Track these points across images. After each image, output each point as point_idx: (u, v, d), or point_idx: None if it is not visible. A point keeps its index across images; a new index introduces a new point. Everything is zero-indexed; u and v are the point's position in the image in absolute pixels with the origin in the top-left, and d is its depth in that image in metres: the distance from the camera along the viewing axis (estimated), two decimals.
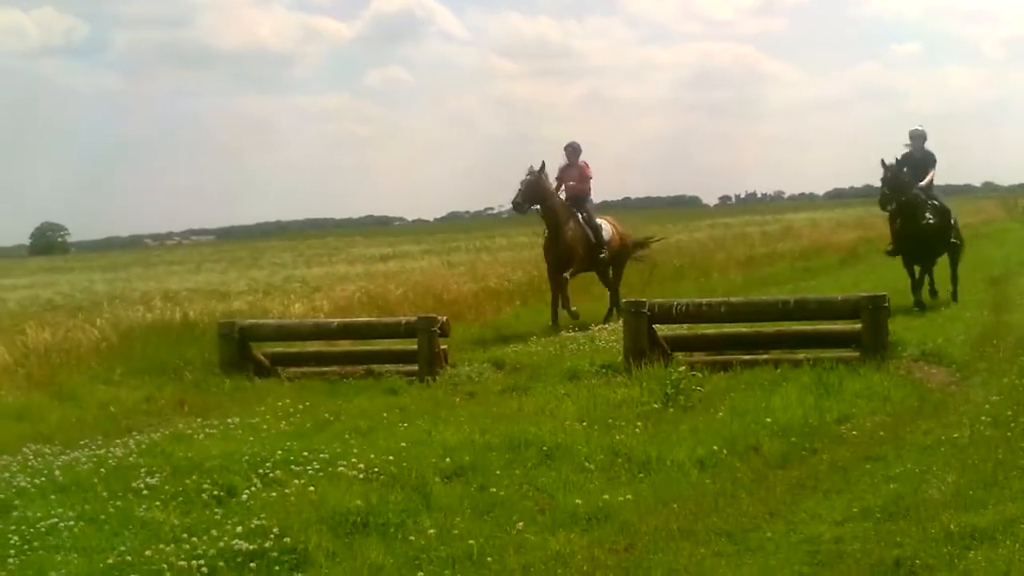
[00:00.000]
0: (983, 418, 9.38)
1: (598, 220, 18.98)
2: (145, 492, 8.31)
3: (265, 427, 10.72)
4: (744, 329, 13.17)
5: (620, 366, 12.58)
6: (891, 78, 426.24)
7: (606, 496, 7.61)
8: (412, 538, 6.98)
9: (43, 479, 8.94)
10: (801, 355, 12.25)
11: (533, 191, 17.91)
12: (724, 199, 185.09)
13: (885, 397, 10.53)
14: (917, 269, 17.76)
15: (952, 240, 18.30)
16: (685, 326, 13.78)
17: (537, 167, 17.99)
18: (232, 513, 7.60)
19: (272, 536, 6.94)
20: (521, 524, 7.15)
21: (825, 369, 11.41)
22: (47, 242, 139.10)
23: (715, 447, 8.73)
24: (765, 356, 12.55)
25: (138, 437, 10.68)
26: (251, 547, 6.80)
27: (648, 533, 6.92)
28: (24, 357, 14.87)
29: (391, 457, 8.65)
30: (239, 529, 7.11)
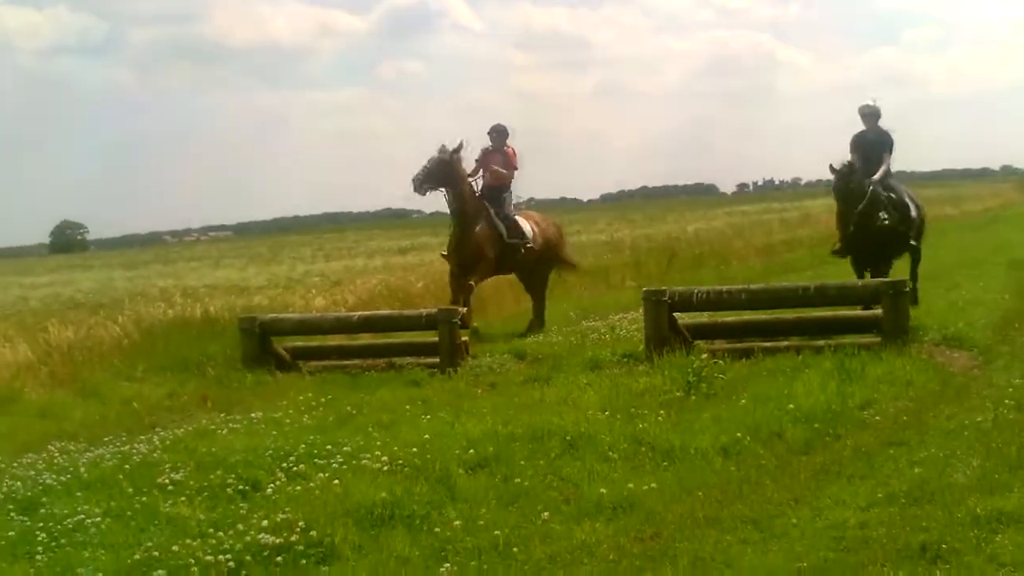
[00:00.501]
0: (1006, 401, 9.34)
1: (517, 217, 16.90)
2: (170, 488, 8.33)
3: (288, 421, 10.75)
4: (765, 316, 13.16)
5: (641, 355, 12.58)
6: (907, 63, 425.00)
7: (630, 485, 7.61)
8: (437, 530, 6.99)
9: (69, 476, 8.98)
10: (822, 341, 12.23)
11: (439, 172, 15.88)
12: (742, 187, 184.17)
13: (907, 382, 10.50)
14: (867, 275, 15.47)
15: (911, 242, 15.92)
16: (705, 314, 13.76)
17: (452, 145, 16.00)
18: (257, 507, 7.62)
19: (298, 530, 6.95)
20: (546, 514, 7.15)
21: (847, 355, 11.39)
22: (66, 240, 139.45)
23: (738, 434, 8.73)
24: (786, 343, 12.52)
25: (162, 433, 10.72)
26: (277, 541, 6.81)
27: (673, 521, 6.92)
28: (47, 355, 14.92)
29: (415, 449, 8.65)
30: (265, 523, 7.13)
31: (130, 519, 7.68)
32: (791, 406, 9.50)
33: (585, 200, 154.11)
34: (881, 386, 10.33)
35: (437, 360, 13.34)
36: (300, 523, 7.05)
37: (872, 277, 14.91)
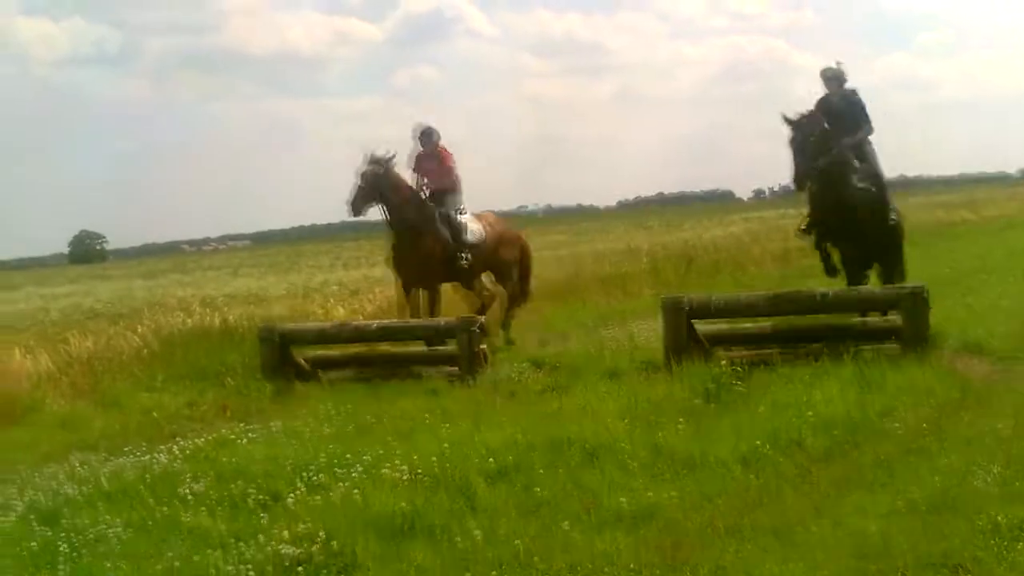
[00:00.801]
0: None
1: (465, 218, 15.97)
2: (191, 498, 8.36)
3: (308, 431, 10.76)
4: (783, 323, 13.13)
5: (660, 363, 12.56)
6: (920, 67, 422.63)
7: (650, 494, 7.61)
8: (458, 540, 6.99)
9: (90, 487, 9.02)
10: (841, 349, 12.19)
11: (377, 186, 15.05)
12: (758, 192, 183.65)
13: (927, 390, 10.43)
14: (836, 256, 14.06)
15: (892, 219, 14.05)
16: (723, 321, 13.74)
17: (384, 153, 15.21)
18: (278, 518, 7.64)
19: (319, 541, 6.97)
20: (567, 524, 7.14)
21: (866, 362, 11.36)
22: (85, 250, 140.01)
23: (758, 443, 8.69)
24: (805, 350, 12.48)
25: (182, 443, 10.74)
26: (298, 552, 6.83)
27: (693, 531, 6.92)
28: (67, 365, 15.00)
29: (434, 459, 8.66)
30: (285, 534, 7.14)
31: (151, 530, 7.72)
32: (810, 414, 9.48)
33: (601, 207, 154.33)
34: (901, 394, 10.29)
35: (456, 369, 13.36)
36: (321, 534, 7.07)
37: (847, 264, 13.91)
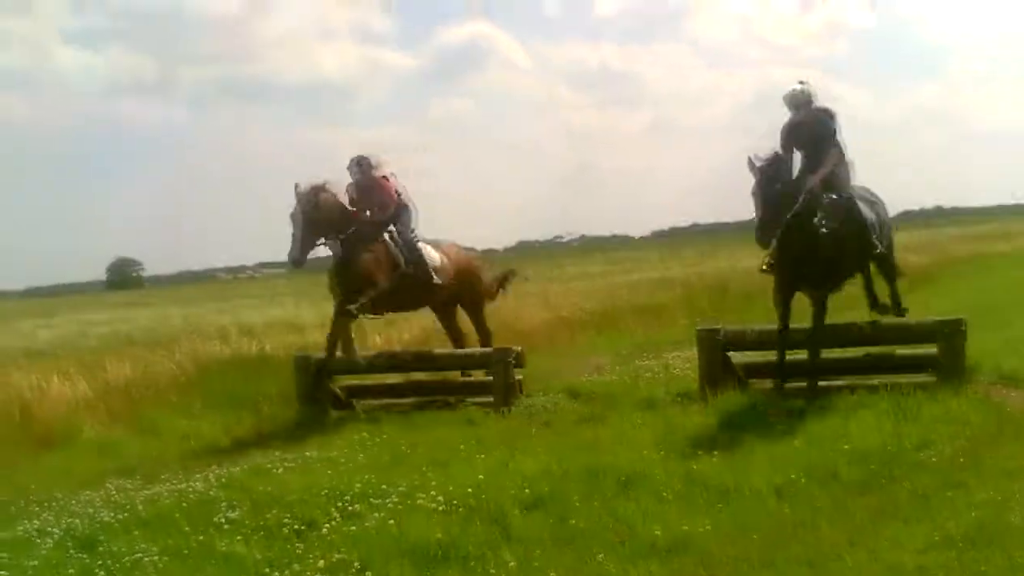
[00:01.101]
0: None
1: (426, 245, 14.57)
2: (226, 526, 8.42)
3: (343, 460, 10.80)
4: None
5: (695, 394, 12.56)
6: (955, 99, 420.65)
7: (685, 526, 7.59)
8: (493, 571, 7.01)
9: (126, 513, 9.11)
10: (877, 380, 12.13)
11: (316, 226, 13.43)
12: None
13: (964, 422, 10.37)
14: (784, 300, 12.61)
15: (877, 250, 12.76)
16: (758, 352, 13.68)
17: (308, 186, 13.50)
18: (313, 547, 7.69)
19: (354, 570, 7.02)
20: (601, 555, 7.15)
21: (902, 394, 11.30)
22: (123, 277, 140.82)
23: (793, 474, 8.68)
24: (840, 382, 12.43)
25: (218, 471, 10.81)
26: None
27: (728, 563, 6.91)
28: (105, 392, 15.08)
29: (470, 489, 8.69)
30: (321, 563, 7.20)
31: (187, 557, 7.78)
32: (846, 446, 9.46)
33: (636, 236, 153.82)
34: (937, 426, 10.22)
35: (491, 399, 13.37)
36: (356, 563, 7.12)
37: (813, 303, 12.50)
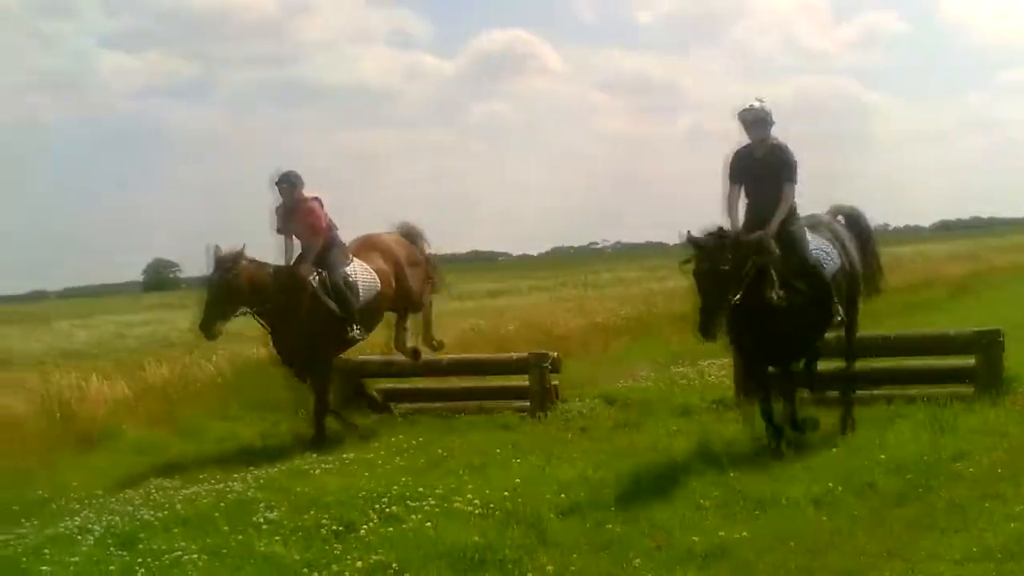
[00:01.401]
0: None
1: (351, 269, 13.16)
2: (265, 527, 8.47)
3: (380, 463, 10.87)
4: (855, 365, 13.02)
5: (731, 402, 12.57)
6: (997, 107, 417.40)
7: (722, 533, 7.60)
8: (529, 574, 7.04)
9: (166, 512, 9.17)
10: (914, 391, 12.10)
11: (227, 298, 12.25)
12: None
13: (1002, 433, 10.33)
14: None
15: (837, 317, 10.89)
16: None
17: (228, 252, 12.30)
18: (351, 548, 7.73)
19: (391, 571, 7.06)
20: (638, 561, 7.17)
21: (939, 405, 11.26)
22: (159, 278, 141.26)
23: (830, 484, 8.67)
24: (877, 392, 12.41)
25: (256, 472, 10.88)
26: None
27: (765, 571, 6.91)
28: (143, 393, 15.19)
29: (506, 493, 8.74)
30: (359, 564, 7.24)
31: (226, 556, 7.83)
32: (883, 456, 9.44)
33: (671, 244, 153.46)
34: (975, 437, 10.19)
35: (527, 404, 13.41)
36: (393, 565, 7.16)
37: (782, 379, 10.82)
